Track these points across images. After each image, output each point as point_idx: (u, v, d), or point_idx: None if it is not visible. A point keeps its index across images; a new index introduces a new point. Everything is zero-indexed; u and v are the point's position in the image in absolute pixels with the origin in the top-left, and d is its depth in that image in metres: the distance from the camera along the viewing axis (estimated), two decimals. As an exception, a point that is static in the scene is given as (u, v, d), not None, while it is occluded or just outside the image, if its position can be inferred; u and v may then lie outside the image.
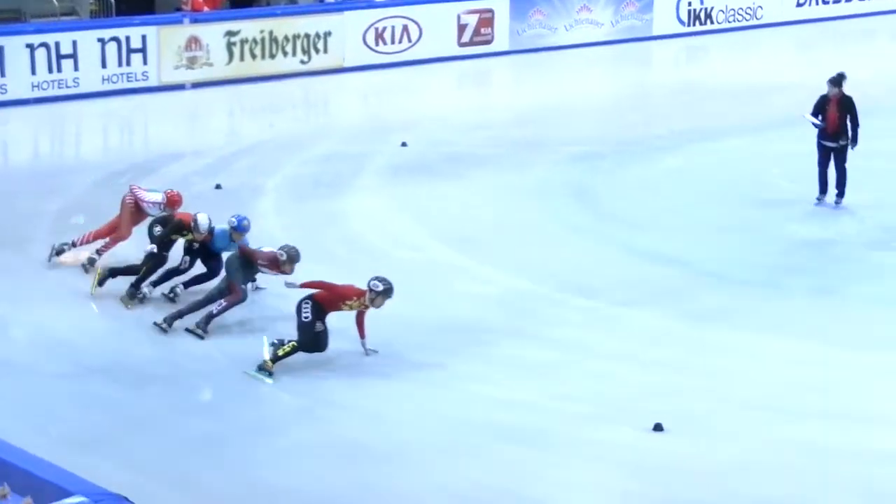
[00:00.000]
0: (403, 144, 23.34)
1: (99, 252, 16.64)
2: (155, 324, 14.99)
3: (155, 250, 15.80)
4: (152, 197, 16.82)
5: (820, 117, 19.51)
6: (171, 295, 15.68)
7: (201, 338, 14.68)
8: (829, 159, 19.70)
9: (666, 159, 22.49)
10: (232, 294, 14.88)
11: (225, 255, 15.56)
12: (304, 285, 14.17)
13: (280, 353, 13.79)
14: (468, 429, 12.95)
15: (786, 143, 21.76)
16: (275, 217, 19.24)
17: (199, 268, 16.01)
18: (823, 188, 19.84)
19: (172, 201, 16.56)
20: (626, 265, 17.57)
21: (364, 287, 14.02)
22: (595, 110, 26.12)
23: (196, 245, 15.80)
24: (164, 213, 16.39)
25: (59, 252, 16.82)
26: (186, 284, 15.81)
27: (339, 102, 27.84)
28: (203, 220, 15.57)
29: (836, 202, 19.78)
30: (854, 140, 19.52)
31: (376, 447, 12.63)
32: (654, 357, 14.50)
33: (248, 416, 13.31)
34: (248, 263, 15.01)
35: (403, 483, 12.01)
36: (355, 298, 13.99)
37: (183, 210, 16.43)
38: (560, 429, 12.97)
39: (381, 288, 13.97)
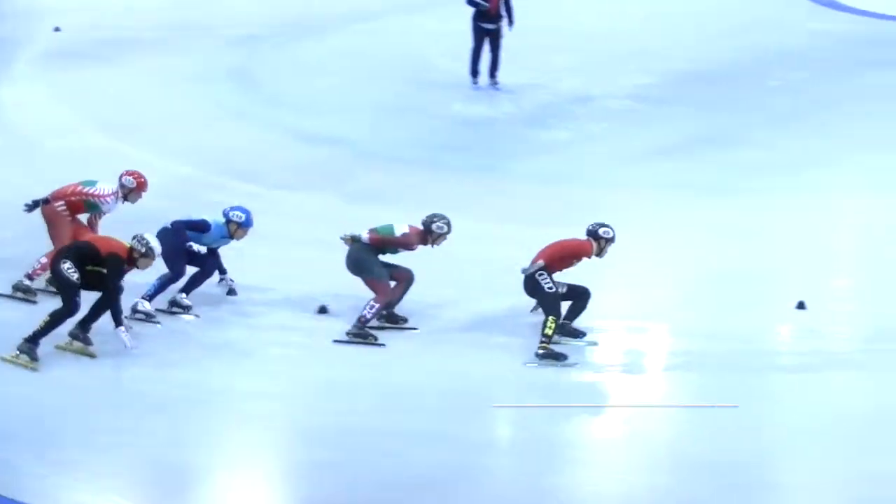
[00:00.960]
0: (56, 29, 22.58)
1: (30, 276, 13.30)
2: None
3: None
4: (103, 189, 13.30)
5: (480, -2, 19.71)
6: (174, 309, 13.05)
7: (380, 345, 12.62)
8: (483, 42, 19.93)
9: (327, 40, 22.41)
10: (379, 294, 12.74)
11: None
12: (537, 259, 12.63)
13: (548, 332, 12.38)
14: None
15: (445, 21, 21.85)
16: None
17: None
18: (475, 71, 20.08)
19: (141, 184, 13.38)
20: (288, 148, 17.57)
21: (584, 238, 12.74)
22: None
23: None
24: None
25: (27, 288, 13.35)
26: (184, 290, 13.10)
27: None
28: (156, 244, 12.17)
29: (493, 83, 20.08)
30: (511, 20, 19.79)
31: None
32: (316, 237, 14.33)
33: None
34: (378, 252, 12.93)
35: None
36: (591, 249, 12.72)
37: None
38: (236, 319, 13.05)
39: (611, 234, 12.73)
